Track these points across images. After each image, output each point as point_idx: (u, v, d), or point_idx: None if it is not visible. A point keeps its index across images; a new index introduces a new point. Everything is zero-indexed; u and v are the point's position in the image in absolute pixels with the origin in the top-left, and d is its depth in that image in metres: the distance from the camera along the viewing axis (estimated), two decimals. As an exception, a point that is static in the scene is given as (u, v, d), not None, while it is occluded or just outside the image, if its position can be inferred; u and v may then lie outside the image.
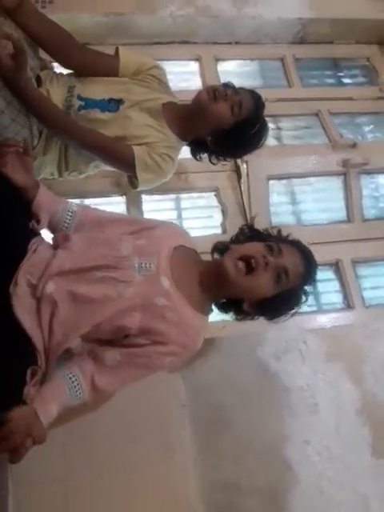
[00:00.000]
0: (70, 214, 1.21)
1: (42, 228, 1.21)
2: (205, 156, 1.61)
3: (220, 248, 1.23)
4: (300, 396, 1.59)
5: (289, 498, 1.47)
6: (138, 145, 1.40)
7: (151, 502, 1.40)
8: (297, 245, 1.19)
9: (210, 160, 1.59)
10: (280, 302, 1.16)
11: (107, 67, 1.46)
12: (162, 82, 1.52)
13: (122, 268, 1.09)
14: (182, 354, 1.12)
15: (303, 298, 1.19)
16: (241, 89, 1.50)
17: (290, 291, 1.15)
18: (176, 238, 1.20)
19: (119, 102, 1.42)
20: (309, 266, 1.17)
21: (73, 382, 1.07)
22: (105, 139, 1.39)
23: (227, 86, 1.49)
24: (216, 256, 1.23)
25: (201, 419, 1.51)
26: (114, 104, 1.42)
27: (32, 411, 0.99)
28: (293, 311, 1.20)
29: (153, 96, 1.47)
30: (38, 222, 1.19)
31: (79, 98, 1.41)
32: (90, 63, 1.45)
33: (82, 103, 1.41)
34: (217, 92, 1.43)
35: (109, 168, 1.55)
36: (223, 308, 1.21)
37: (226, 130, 1.44)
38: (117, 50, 1.49)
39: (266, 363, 1.62)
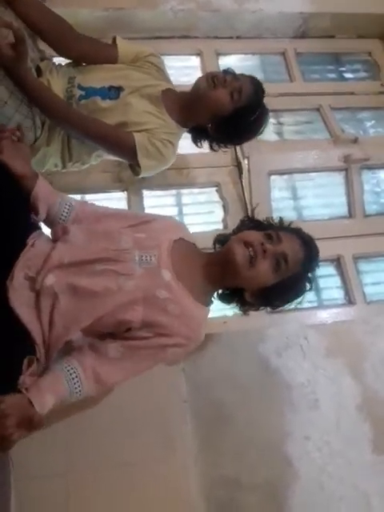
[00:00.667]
0: (67, 207, 1.20)
1: (41, 220, 1.20)
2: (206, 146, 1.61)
3: (222, 239, 1.23)
4: (301, 392, 1.59)
5: (289, 494, 1.47)
6: (139, 131, 1.41)
7: (152, 497, 1.41)
8: (297, 232, 1.19)
9: (210, 147, 1.59)
10: (282, 290, 1.15)
11: (106, 55, 1.48)
12: (160, 70, 1.53)
13: (122, 261, 1.08)
14: (186, 346, 1.12)
15: (306, 285, 1.18)
16: (241, 75, 1.50)
17: (291, 279, 1.14)
18: (175, 231, 1.20)
19: (119, 89, 1.43)
20: (309, 253, 1.16)
21: (71, 374, 1.06)
22: (106, 127, 1.40)
23: (227, 72, 1.49)
24: (217, 247, 1.23)
25: (202, 415, 1.51)
26: (114, 91, 1.42)
27: (25, 399, 0.98)
28: (297, 300, 1.19)
29: (152, 82, 1.48)
30: (37, 213, 1.18)
31: (80, 87, 1.42)
32: (89, 52, 1.46)
33: (83, 93, 1.41)
34: (216, 78, 1.44)
35: (111, 157, 1.56)
36: (226, 299, 1.21)
37: (225, 116, 1.45)
38: (114, 39, 1.50)
39: (266, 359, 1.62)
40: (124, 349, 1.08)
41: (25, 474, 1.36)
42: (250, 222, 1.26)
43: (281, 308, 1.21)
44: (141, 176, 1.49)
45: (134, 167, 1.47)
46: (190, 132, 1.57)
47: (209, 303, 1.19)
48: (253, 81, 1.49)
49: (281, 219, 1.25)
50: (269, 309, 1.25)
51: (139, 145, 1.40)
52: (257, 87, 1.49)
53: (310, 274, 1.18)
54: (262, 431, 1.52)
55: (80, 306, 1.06)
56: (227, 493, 1.45)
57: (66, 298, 1.06)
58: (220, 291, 1.21)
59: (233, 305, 1.23)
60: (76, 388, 1.06)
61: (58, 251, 1.10)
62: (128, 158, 1.48)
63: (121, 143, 1.42)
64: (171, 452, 1.45)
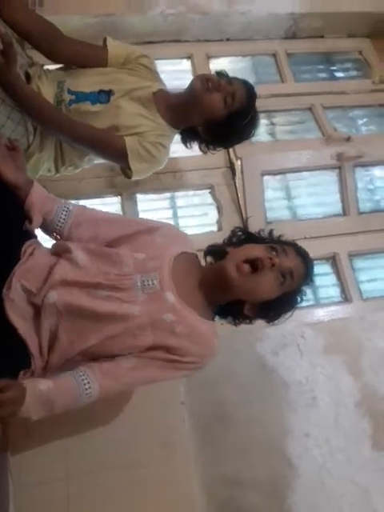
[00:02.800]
0: (64, 213, 1.19)
1: (35, 228, 1.19)
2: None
3: (215, 251, 1.23)
4: (299, 390, 1.59)
5: (290, 492, 1.47)
6: (130, 135, 1.41)
7: (153, 498, 1.40)
8: (294, 246, 1.19)
9: (199, 148, 1.59)
10: (281, 304, 1.16)
11: (96, 58, 1.47)
12: (151, 71, 1.53)
13: (124, 289, 1.08)
14: (200, 363, 1.13)
15: (300, 299, 1.19)
16: (234, 79, 1.50)
17: (291, 293, 1.15)
18: (176, 244, 1.19)
19: (109, 92, 1.43)
20: (309, 268, 1.17)
21: (80, 375, 1.05)
22: (96, 132, 1.40)
23: (221, 74, 1.49)
24: (209, 259, 1.22)
25: (200, 415, 1.51)
26: (104, 95, 1.43)
27: (20, 384, 0.98)
28: (290, 313, 1.20)
29: (143, 84, 1.47)
30: (31, 221, 1.17)
31: (69, 92, 1.42)
32: (78, 55, 1.47)
33: (73, 97, 1.42)
34: (210, 82, 1.43)
35: (103, 161, 1.56)
36: (222, 313, 1.21)
37: (218, 120, 1.45)
38: (105, 40, 1.50)
39: (264, 358, 1.62)
40: (137, 359, 1.08)
41: (24, 480, 1.36)
42: (243, 234, 1.26)
43: (276, 321, 1.21)
44: (133, 179, 1.49)
45: (126, 170, 1.47)
46: (180, 133, 1.57)
47: (213, 317, 1.19)
48: (246, 85, 1.50)
49: (271, 231, 1.25)
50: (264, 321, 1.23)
51: (130, 148, 1.40)
52: (250, 92, 1.49)
53: (305, 288, 1.19)
54: (261, 430, 1.52)
55: (85, 325, 1.06)
56: (228, 492, 1.45)
57: (70, 317, 1.05)
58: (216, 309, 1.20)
59: (228, 319, 1.22)
60: (83, 379, 1.04)
61: (61, 268, 1.09)
62: (119, 162, 1.48)
63: (111, 147, 1.42)
64: (171, 453, 1.45)
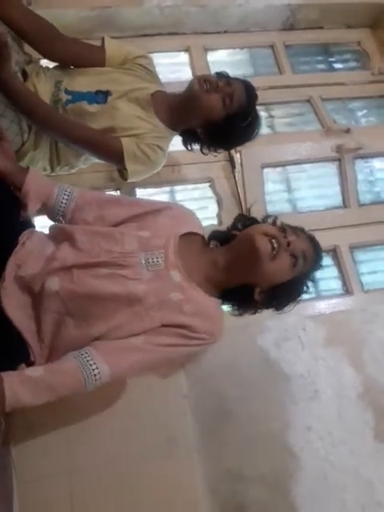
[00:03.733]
0: (66, 196, 1.17)
1: (32, 215, 1.18)
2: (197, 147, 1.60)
3: (219, 235, 1.20)
4: (301, 383, 1.59)
5: (293, 484, 1.47)
6: (127, 136, 1.39)
7: (156, 493, 1.40)
8: (303, 230, 1.17)
9: (201, 150, 1.58)
10: (291, 288, 1.13)
11: (93, 58, 1.46)
12: (149, 71, 1.51)
13: (128, 266, 1.06)
14: (211, 340, 1.10)
15: (309, 284, 1.17)
16: (234, 79, 1.48)
17: (302, 277, 1.13)
18: (183, 223, 1.16)
19: (107, 93, 1.41)
20: (319, 252, 1.16)
21: (85, 356, 1.01)
22: (92, 133, 1.39)
23: (221, 75, 1.47)
24: (213, 244, 1.19)
25: (203, 409, 1.51)
26: (101, 96, 1.41)
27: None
28: (298, 299, 1.18)
29: (141, 85, 1.46)
30: (26, 209, 1.15)
31: (66, 91, 1.41)
32: (75, 55, 1.45)
33: (70, 97, 1.40)
34: (208, 83, 1.41)
35: (99, 161, 1.55)
36: (228, 299, 1.18)
37: (217, 121, 1.43)
38: (103, 40, 1.49)
39: (266, 351, 1.61)
40: (146, 336, 1.05)
41: (27, 475, 1.36)
42: (247, 220, 1.23)
43: (283, 308, 1.19)
44: (129, 180, 1.48)
45: (122, 171, 1.46)
46: (180, 135, 1.56)
47: (218, 296, 1.16)
48: (246, 86, 1.47)
49: (276, 218, 1.22)
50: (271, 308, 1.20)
51: (127, 150, 1.38)
52: (249, 93, 1.47)
53: (314, 273, 1.17)
54: (263, 423, 1.52)
55: (91, 310, 1.04)
56: (231, 485, 1.45)
57: (74, 302, 1.03)
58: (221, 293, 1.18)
59: (233, 306, 1.20)
60: (91, 366, 1.00)
61: (60, 253, 1.07)
62: (115, 163, 1.46)
63: (107, 148, 1.40)
64: (173, 448, 1.45)
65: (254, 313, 1.20)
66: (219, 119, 1.43)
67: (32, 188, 1.14)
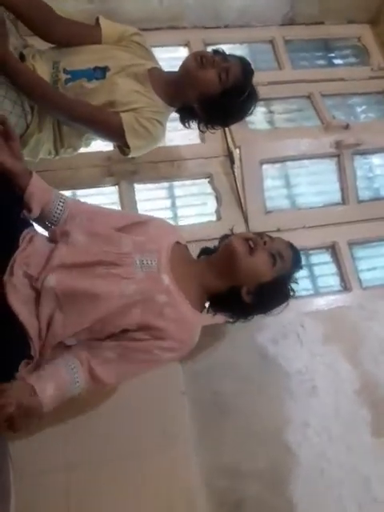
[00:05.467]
0: (61, 205, 1.20)
1: (34, 217, 1.20)
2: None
3: (208, 250, 1.27)
4: (299, 379, 1.59)
5: (290, 480, 1.47)
6: (126, 111, 1.40)
7: (153, 488, 1.41)
8: (279, 237, 1.25)
9: (198, 127, 1.58)
10: (277, 287, 1.19)
11: (90, 36, 1.47)
12: (144, 48, 1.52)
13: (123, 265, 1.09)
14: (180, 350, 1.14)
15: (294, 286, 1.24)
16: (230, 55, 1.49)
17: (284, 277, 1.20)
18: (172, 235, 1.22)
19: (105, 69, 1.42)
20: (297, 254, 1.23)
21: (69, 364, 1.07)
22: (92, 109, 1.39)
23: (217, 52, 1.48)
24: (203, 258, 1.26)
25: (200, 406, 1.51)
26: (100, 72, 1.42)
27: (29, 386, 0.99)
28: (286, 303, 1.24)
29: (138, 61, 1.47)
30: (30, 211, 1.18)
31: (65, 71, 1.41)
32: (73, 35, 1.46)
33: (69, 76, 1.41)
34: (204, 58, 1.43)
35: (100, 140, 1.55)
36: (219, 306, 1.23)
37: (213, 96, 1.44)
38: (97, 19, 1.49)
39: (264, 348, 1.62)
40: (120, 349, 1.09)
41: (24, 471, 1.36)
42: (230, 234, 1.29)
43: (272, 309, 1.24)
44: (130, 156, 1.48)
45: (122, 148, 1.46)
46: (177, 112, 1.56)
47: (202, 309, 1.22)
48: (242, 62, 1.48)
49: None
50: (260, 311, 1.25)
51: (126, 124, 1.39)
52: (245, 68, 1.48)
53: (296, 275, 1.24)
54: (261, 419, 1.52)
55: (81, 308, 1.07)
56: (228, 481, 1.45)
57: (66, 300, 1.06)
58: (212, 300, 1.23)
59: (225, 312, 1.25)
60: (75, 378, 1.07)
61: (59, 252, 1.10)
62: (116, 139, 1.47)
63: (108, 124, 1.41)
64: (171, 443, 1.45)
65: (246, 319, 1.25)
66: (215, 94, 1.43)
67: (36, 191, 1.17)
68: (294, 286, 1.24)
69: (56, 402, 1.05)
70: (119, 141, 1.45)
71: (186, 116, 1.57)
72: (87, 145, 1.60)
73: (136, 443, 1.44)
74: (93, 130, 1.48)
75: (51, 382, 1.03)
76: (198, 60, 1.42)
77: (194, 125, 1.59)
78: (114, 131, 1.42)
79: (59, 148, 1.52)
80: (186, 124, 1.59)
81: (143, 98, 1.43)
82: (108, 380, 1.11)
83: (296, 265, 1.23)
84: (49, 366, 1.07)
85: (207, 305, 1.25)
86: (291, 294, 1.23)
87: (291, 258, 1.21)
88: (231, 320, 1.26)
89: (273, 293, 1.19)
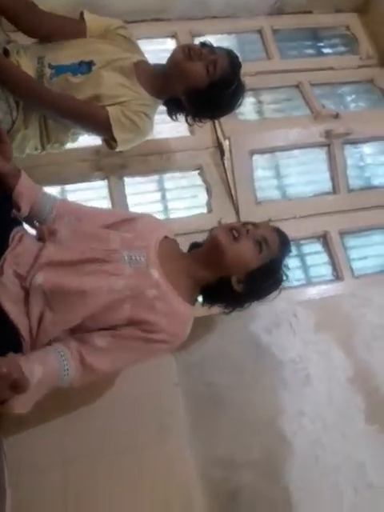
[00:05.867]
0: (49, 204, 1.22)
1: (23, 216, 1.20)
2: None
3: (197, 244, 1.26)
4: (292, 368, 1.60)
5: (286, 469, 1.48)
6: (112, 105, 1.39)
7: (149, 481, 1.41)
8: (266, 223, 1.27)
9: (186, 120, 1.57)
10: (266, 273, 1.18)
11: (75, 30, 1.46)
12: (130, 42, 1.51)
13: (111, 261, 1.09)
14: (171, 343, 1.14)
15: (285, 271, 1.22)
16: (218, 48, 1.49)
17: (273, 262, 1.18)
18: (159, 230, 1.22)
19: (90, 63, 1.41)
20: (284, 238, 1.23)
21: (59, 351, 1.06)
22: (77, 103, 1.39)
23: (204, 44, 1.47)
24: (192, 251, 1.26)
25: (194, 397, 1.51)
26: (85, 66, 1.41)
27: (14, 360, 0.94)
28: (279, 287, 1.23)
29: (123, 55, 1.46)
30: (19, 210, 1.18)
31: (50, 66, 1.40)
32: (56, 29, 1.44)
33: (54, 71, 1.40)
34: (192, 51, 1.42)
35: (86, 134, 1.54)
36: (211, 296, 1.23)
37: (200, 89, 1.43)
38: (81, 14, 1.47)
39: (257, 337, 1.62)
40: (111, 338, 1.08)
41: (21, 466, 1.36)
42: None
43: (265, 295, 1.23)
44: (118, 150, 1.47)
45: (109, 142, 1.45)
46: (165, 104, 1.55)
47: (194, 302, 1.22)
48: (229, 54, 1.48)
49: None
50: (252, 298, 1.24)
51: (113, 118, 1.38)
52: (233, 61, 1.47)
53: (285, 261, 1.22)
54: (255, 409, 1.52)
55: (70, 305, 1.07)
56: (223, 472, 1.46)
57: (55, 297, 1.06)
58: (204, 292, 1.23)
59: (215, 303, 1.24)
60: (64, 365, 1.05)
61: (47, 250, 1.10)
62: (102, 133, 1.46)
63: (94, 118, 1.40)
64: (166, 436, 1.45)
65: (242, 308, 1.24)
66: (203, 87, 1.43)
67: (24, 190, 1.17)
68: (285, 270, 1.22)
69: (43, 389, 1.02)
70: (106, 134, 1.44)
71: (173, 109, 1.56)
72: (74, 140, 1.59)
73: (131, 437, 1.44)
74: (79, 125, 1.47)
75: (39, 365, 1.00)
76: (186, 52, 1.41)
77: (181, 117, 1.59)
78: (100, 125, 1.41)
79: (46, 143, 1.51)
80: (174, 117, 1.59)
81: (129, 92, 1.42)
82: (99, 366, 1.08)
83: (284, 249, 1.22)
84: (37, 352, 1.06)
85: (201, 298, 1.25)
86: (284, 278, 1.22)
87: (278, 243, 1.20)
88: (226, 310, 1.25)
89: (264, 279, 1.18)
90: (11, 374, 0.87)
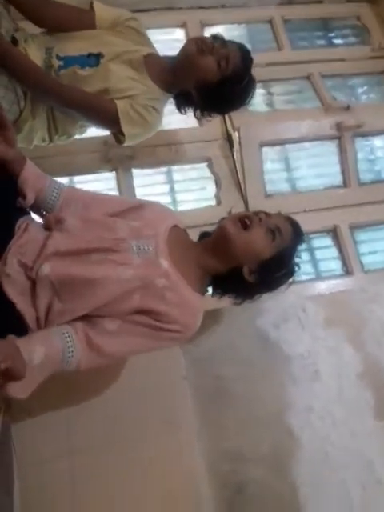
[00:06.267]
0: (55, 191, 1.19)
1: (29, 204, 1.18)
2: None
3: (207, 234, 1.24)
4: (301, 363, 1.59)
5: (293, 464, 1.47)
6: (121, 98, 1.37)
7: (157, 474, 1.41)
8: (277, 213, 1.22)
9: (194, 114, 1.56)
10: (279, 263, 1.16)
11: (84, 21, 1.43)
12: (140, 34, 1.49)
13: (119, 251, 1.07)
14: (183, 333, 1.12)
15: (297, 261, 1.20)
16: (230, 42, 1.46)
17: (286, 251, 1.16)
18: (168, 218, 1.20)
19: (99, 55, 1.39)
20: (297, 227, 1.20)
21: (63, 333, 1.03)
22: (86, 95, 1.37)
23: (216, 38, 1.45)
24: (201, 241, 1.23)
25: (202, 391, 1.50)
26: (93, 58, 1.39)
27: (12, 345, 0.91)
28: (291, 278, 1.21)
29: (133, 48, 1.44)
30: (24, 198, 1.16)
31: (58, 57, 1.38)
32: (65, 19, 1.42)
33: (62, 62, 1.38)
34: (204, 44, 1.40)
35: (95, 127, 1.52)
36: (222, 286, 1.21)
37: (211, 84, 1.42)
38: (91, 4, 1.45)
39: (265, 332, 1.61)
40: (121, 322, 1.06)
41: (28, 457, 1.36)
42: None
43: (277, 286, 1.21)
44: (125, 144, 1.45)
45: (118, 135, 1.43)
46: (174, 98, 1.53)
47: (204, 292, 1.20)
48: (241, 49, 1.46)
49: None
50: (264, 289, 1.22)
51: (122, 112, 1.37)
52: (245, 56, 1.45)
53: (298, 250, 1.20)
54: (263, 404, 1.52)
55: (78, 296, 1.05)
56: (231, 466, 1.45)
57: (63, 288, 1.04)
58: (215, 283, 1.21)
59: (226, 293, 1.22)
60: (69, 346, 1.02)
61: (54, 240, 1.08)
62: (111, 127, 1.44)
63: (102, 111, 1.38)
64: (174, 429, 1.45)
65: (252, 298, 1.22)
66: (214, 81, 1.41)
67: (29, 177, 1.15)
68: (297, 261, 1.20)
69: (45, 371, 1.00)
70: (114, 128, 1.42)
71: (182, 102, 1.54)
72: (82, 132, 1.57)
73: (139, 428, 1.44)
74: (87, 117, 1.45)
75: (41, 346, 0.98)
76: (198, 46, 1.39)
77: (190, 111, 1.56)
78: (108, 118, 1.39)
79: (53, 135, 1.50)
80: (182, 110, 1.57)
81: (138, 85, 1.41)
82: (107, 348, 1.06)
83: (297, 239, 1.19)
84: (41, 332, 1.04)
85: (211, 289, 1.23)
86: (296, 269, 1.20)
87: (290, 232, 1.17)
88: (237, 301, 1.23)
89: (276, 269, 1.16)
90: (4, 361, 0.84)
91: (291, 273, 1.20)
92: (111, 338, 1.06)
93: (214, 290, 1.23)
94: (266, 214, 1.17)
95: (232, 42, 1.46)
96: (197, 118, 1.56)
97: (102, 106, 1.37)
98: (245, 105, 1.53)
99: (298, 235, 1.19)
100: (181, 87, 1.47)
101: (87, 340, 1.04)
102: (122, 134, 1.40)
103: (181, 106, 1.55)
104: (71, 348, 1.03)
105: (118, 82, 1.37)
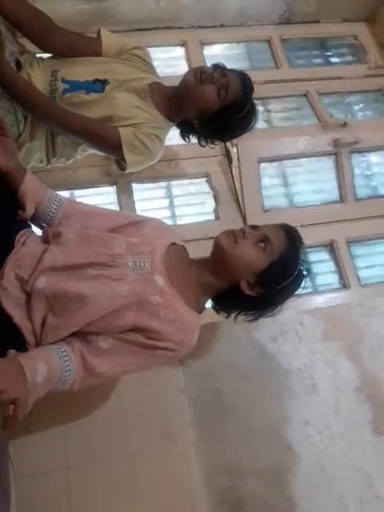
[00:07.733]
0: (55, 203, 1.19)
1: (28, 217, 1.18)
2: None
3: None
4: (298, 377, 1.58)
5: (291, 478, 1.47)
6: (125, 126, 1.38)
7: (154, 488, 1.40)
8: (267, 224, 1.20)
9: (198, 142, 1.58)
10: (280, 269, 1.13)
11: (90, 48, 1.45)
12: (146, 62, 1.51)
13: (115, 266, 1.07)
14: (177, 351, 1.11)
15: (301, 270, 1.17)
16: (230, 71, 1.48)
17: (285, 257, 1.13)
18: (167, 235, 1.20)
19: (104, 82, 1.41)
20: (290, 231, 1.18)
21: (61, 350, 1.04)
22: (89, 122, 1.38)
23: (217, 66, 1.47)
24: (200, 259, 1.22)
25: (200, 404, 1.50)
26: (99, 85, 1.41)
27: (17, 363, 0.92)
28: (302, 282, 1.18)
29: (138, 76, 1.45)
30: (24, 210, 1.16)
31: (63, 81, 1.40)
32: (71, 45, 1.44)
33: (67, 86, 1.39)
34: (203, 74, 1.42)
35: (97, 152, 1.54)
36: (223, 304, 1.21)
37: (212, 113, 1.43)
38: (98, 32, 1.48)
39: (263, 346, 1.61)
40: (114, 340, 1.07)
41: (25, 471, 1.35)
42: None
43: (290, 296, 1.18)
44: (127, 171, 1.47)
45: (120, 162, 1.45)
46: (177, 126, 1.56)
47: (201, 310, 1.19)
48: (242, 77, 1.47)
49: None
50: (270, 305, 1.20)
51: (125, 140, 1.38)
52: (245, 84, 1.46)
53: (300, 255, 1.18)
54: (261, 417, 1.51)
55: (72, 310, 1.05)
56: (229, 480, 1.44)
57: (58, 302, 1.04)
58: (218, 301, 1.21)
59: (231, 311, 1.21)
60: (67, 365, 1.03)
61: (50, 253, 1.08)
62: (113, 154, 1.46)
63: (105, 138, 1.39)
64: (171, 442, 1.44)
65: (265, 313, 1.20)
66: (214, 110, 1.43)
67: (29, 189, 1.15)
68: (304, 264, 1.17)
69: (45, 388, 1.00)
70: (116, 155, 1.44)
71: (185, 130, 1.56)
72: (82, 155, 1.58)
73: (136, 442, 1.43)
74: (90, 144, 1.47)
75: (43, 363, 0.98)
76: (198, 76, 1.41)
77: (194, 139, 1.59)
78: (111, 146, 1.41)
79: (51, 157, 1.51)
80: (186, 138, 1.58)
81: (143, 114, 1.42)
82: (100, 368, 1.06)
83: (293, 242, 1.16)
84: (39, 350, 1.04)
85: (216, 308, 1.23)
86: (304, 272, 1.17)
87: (283, 237, 1.15)
88: (250, 318, 1.21)
89: (281, 276, 1.13)
90: (8, 393, 0.87)
91: (300, 277, 1.17)
92: (104, 357, 1.06)
93: (220, 309, 1.22)
94: (252, 226, 1.16)
95: (232, 71, 1.48)
96: (201, 145, 1.57)
97: (106, 133, 1.38)
98: (246, 132, 1.53)
99: (293, 239, 1.16)
100: (183, 116, 1.48)
101: (83, 360, 1.05)
102: (125, 161, 1.41)
103: (184, 133, 1.57)
104: (69, 367, 1.03)
105: (122, 110, 1.39)
